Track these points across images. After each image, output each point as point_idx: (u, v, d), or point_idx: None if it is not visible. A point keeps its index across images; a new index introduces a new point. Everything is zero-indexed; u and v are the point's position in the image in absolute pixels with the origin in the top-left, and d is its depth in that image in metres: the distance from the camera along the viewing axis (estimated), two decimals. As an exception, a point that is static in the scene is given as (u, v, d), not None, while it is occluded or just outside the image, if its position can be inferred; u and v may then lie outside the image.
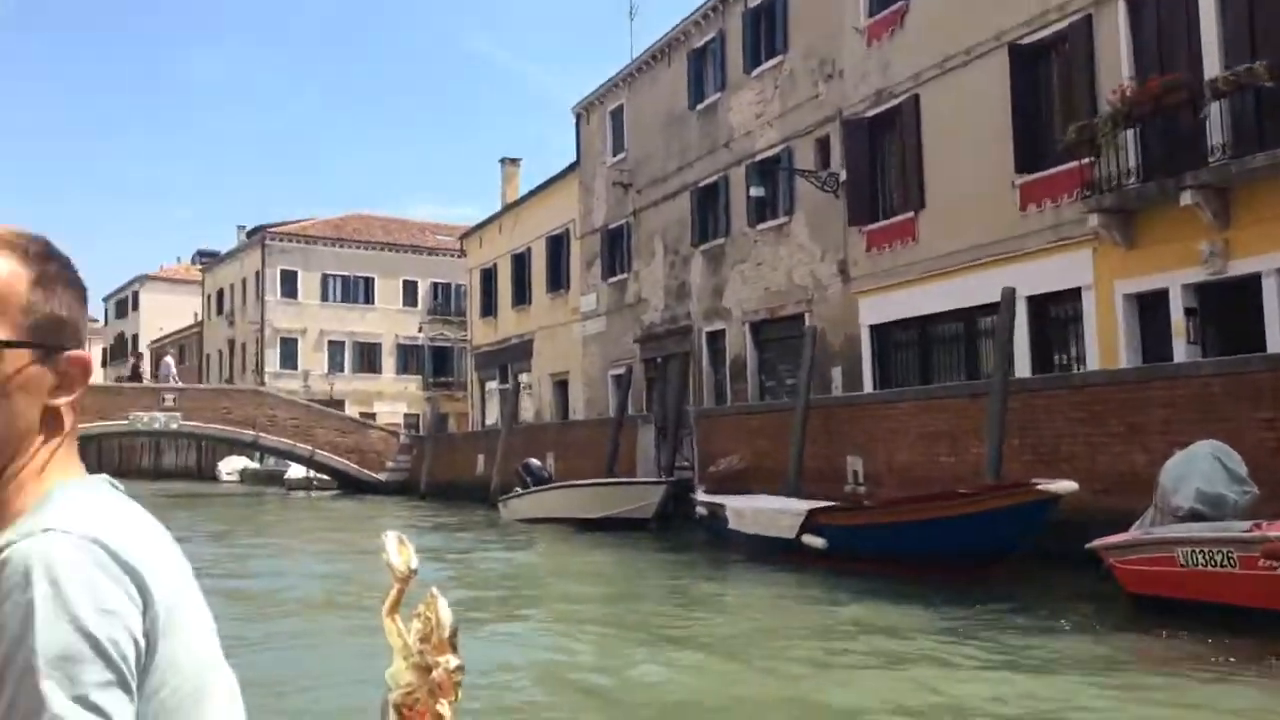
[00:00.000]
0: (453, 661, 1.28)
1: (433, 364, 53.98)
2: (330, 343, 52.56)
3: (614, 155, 29.41)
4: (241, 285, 55.21)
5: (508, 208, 37.53)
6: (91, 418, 32.58)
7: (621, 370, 27.90)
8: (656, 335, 26.54)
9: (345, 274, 52.99)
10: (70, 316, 1.07)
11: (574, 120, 31.82)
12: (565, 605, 11.77)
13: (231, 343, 56.26)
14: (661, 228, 26.82)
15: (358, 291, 53.27)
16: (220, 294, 58.60)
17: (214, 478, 53.16)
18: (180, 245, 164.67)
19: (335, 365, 52.37)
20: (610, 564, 15.40)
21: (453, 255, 50.58)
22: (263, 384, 47.09)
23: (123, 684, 0.93)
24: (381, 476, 38.45)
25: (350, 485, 38.80)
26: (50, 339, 1.04)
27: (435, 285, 54.42)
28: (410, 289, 54.19)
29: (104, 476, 1.11)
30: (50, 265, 1.06)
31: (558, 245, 32.81)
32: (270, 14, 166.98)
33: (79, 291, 1.09)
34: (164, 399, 37.25)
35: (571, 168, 32.00)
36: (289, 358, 51.75)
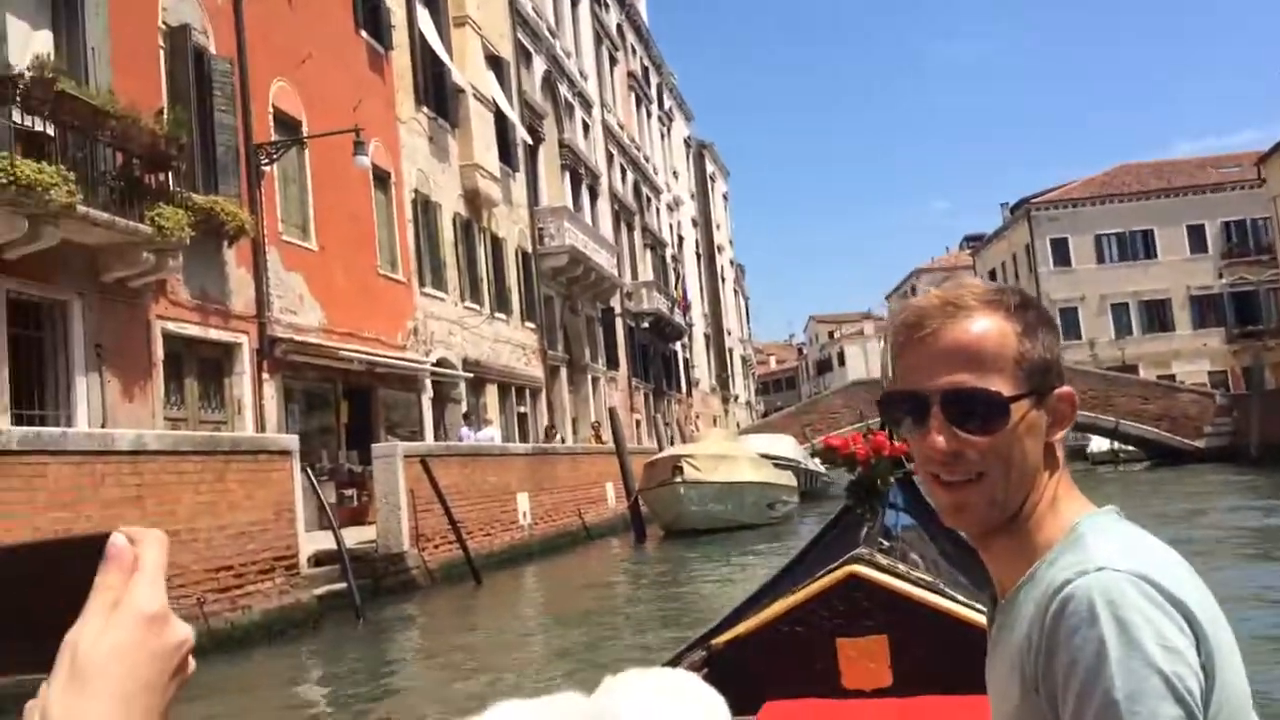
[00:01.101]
0: None
1: (1235, 312, 48.21)
2: (1113, 306, 49.94)
3: None
4: (1012, 261, 55.14)
5: (1314, 117, 31.74)
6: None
7: None
8: None
9: (1119, 231, 50.03)
10: (1052, 357, 1.10)
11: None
12: None
13: (1010, 321, 56.34)
14: None
15: (1136, 247, 49.94)
16: (992, 274, 59.03)
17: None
18: (946, 235, 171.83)
19: (1122, 329, 49.59)
20: None
21: (1245, 186, 44.67)
22: (1048, 358, 46.21)
23: (1191, 718, 0.93)
24: (1198, 443, 35.29)
25: (1161, 454, 36.49)
26: (1041, 383, 1.09)
27: (1226, 224, 48.78)
28: (1196, 234, 49.16)
29: (1111, 507, 1.12)
30: (1029, 314, 1.10)
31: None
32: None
33: (1053, 330, 1.12)
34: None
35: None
36: (1070, 327, 50.15)
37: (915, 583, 2.85)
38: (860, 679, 2.83)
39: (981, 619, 2.64)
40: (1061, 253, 50.57)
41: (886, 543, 3.13)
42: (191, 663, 0.62)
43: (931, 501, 1.15)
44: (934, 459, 1.09)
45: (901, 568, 2.92)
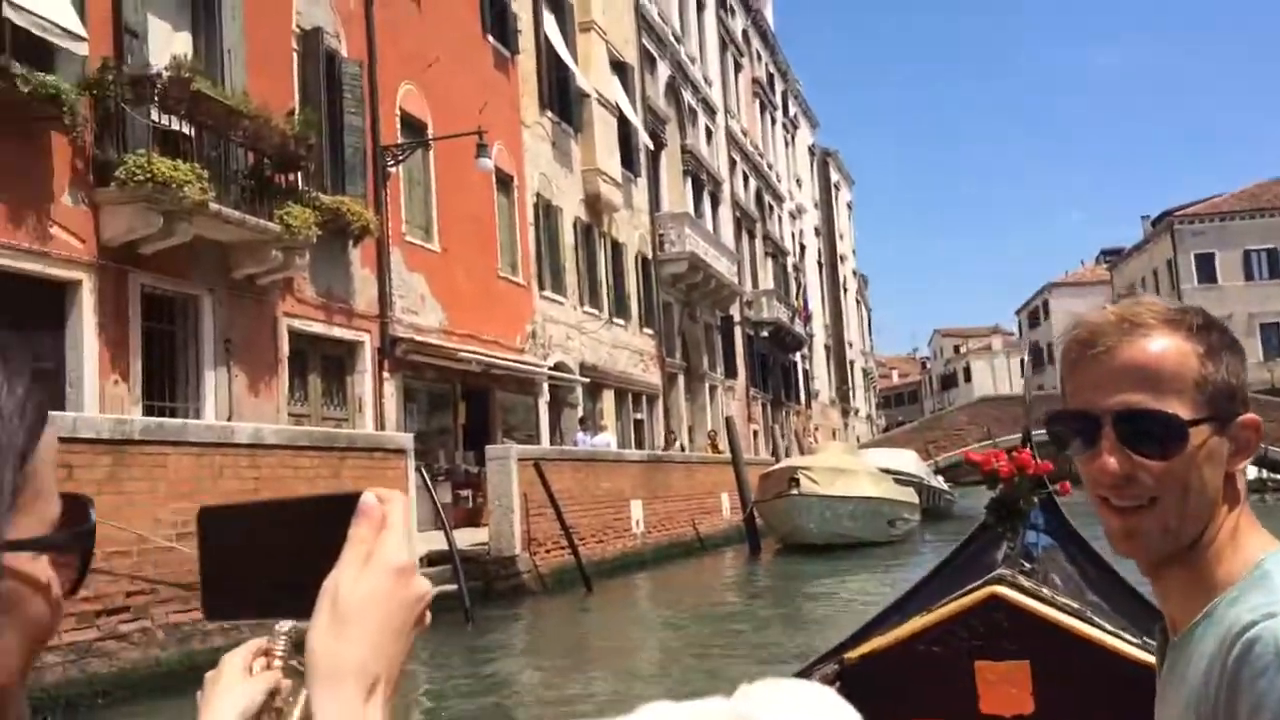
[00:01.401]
0: None
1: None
2: (1262, 326, 47.43)
3: None
4: (1152, 276, 52.88)
5: None
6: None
7: None
8: None
9: (1270, 247, 47.63)
10: (1237, 381, 1.07)
11: None
12: None
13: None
14: None
15: (1288, 264, 47.15)
16: (1130, 289, 56.73)
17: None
18: (1081, 249, 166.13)
19: (1271, 350, 47.10)
20: None
21: None
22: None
23: None
24: (1357, 473, 32.97)
25: (1315, 485, 34.19)
26: (1224, 409, 1.05)
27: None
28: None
29: None
30: (1212, 335, 1.07)
31: None
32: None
33: (1238, 353, 1.08)
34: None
35: None
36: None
37: (1061, 608, 2.72)
38: (999, 704, 2.71)
39: (1131, 649, 2.54)
40: (1207, 269, 48.19)
41: (1028, 564, 3.01)
42: (429, 616, 0.65)
43: (1103, 529, 1.10)
44: (1103, 481, 1.05)
45: (1045, 591, 2.81)
